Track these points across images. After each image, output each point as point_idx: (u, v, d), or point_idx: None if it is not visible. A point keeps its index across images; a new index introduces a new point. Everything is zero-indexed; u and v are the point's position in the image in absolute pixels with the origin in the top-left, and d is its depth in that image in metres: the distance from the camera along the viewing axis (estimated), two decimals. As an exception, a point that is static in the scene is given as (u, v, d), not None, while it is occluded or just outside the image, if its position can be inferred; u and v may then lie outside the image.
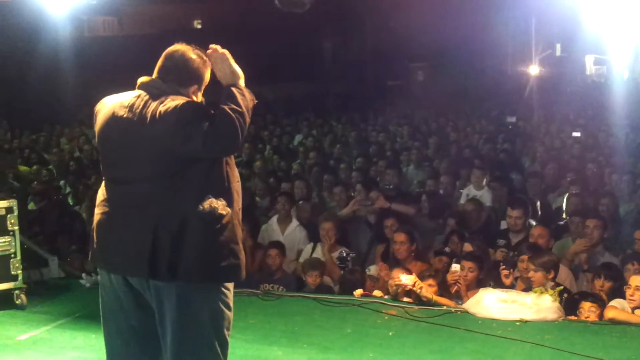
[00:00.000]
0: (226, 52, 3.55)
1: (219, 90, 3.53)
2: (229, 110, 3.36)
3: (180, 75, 3.53)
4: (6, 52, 16.69)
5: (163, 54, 3.57)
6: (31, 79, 17.96)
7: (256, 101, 3.54)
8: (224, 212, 3.41)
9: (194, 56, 3.56)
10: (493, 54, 27.89)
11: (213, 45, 3.57)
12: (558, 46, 31.75)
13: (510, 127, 16.51)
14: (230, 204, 3.45)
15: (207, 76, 3.62)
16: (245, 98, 3.47)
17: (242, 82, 3.55)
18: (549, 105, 20.23)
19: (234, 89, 3.47)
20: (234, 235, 3.47)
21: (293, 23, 26.40)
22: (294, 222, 8.17)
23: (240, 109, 3.39)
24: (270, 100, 23.81)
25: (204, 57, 3.58)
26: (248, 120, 3.42)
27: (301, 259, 7.72)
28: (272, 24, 26.12)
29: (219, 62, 3.55)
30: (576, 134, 14.32)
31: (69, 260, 7.65)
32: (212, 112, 3.38)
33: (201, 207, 3.36)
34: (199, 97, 3.61)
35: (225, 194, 3.46)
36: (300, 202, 8.59)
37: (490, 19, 23.50)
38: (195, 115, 3.34)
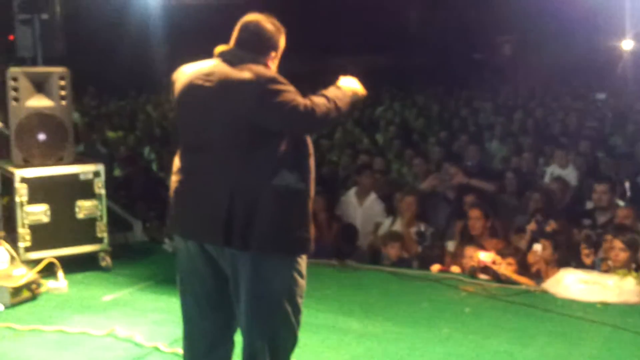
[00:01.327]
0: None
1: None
2: (316, 99, 3.46)
3: (256, 44, 3.56)
4: (97, 20, 17.02)
5: (238, 25, 3.61)
6: (120, 46, 18.34)
7: (347, 109, 3.62)
8: (297, 187, 3.44)
9: (268, 25, 3.59)
10: (583, 27, 26.98)
11: None
12: (654, 21, 30.56)
13: (599, 104, 16.04)
14: (303, 178, 3.48)
15: (283, 43, 3.66)
16: (342, 98, 3.57)
17: (351, 93, 3.65)
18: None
19: (337, 87, 3.61)
20: (305, 209, 3.50)
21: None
22: (372, 195, 8.16)
23: (330, 103, 3.49)
24: (352, 72, 23.70)
25: (278, 25, 3.63)
26: (325, 116, 3.47)
27: (380, 233, 7.72)
28: (357, -5, 26.00)
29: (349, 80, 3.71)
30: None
31: (153, 225, 7.84)
32: (294, 89, 3.42)
33: (276, 181, 3.39)
34: (275, 63, 3.65)
35: (300, 168, 3.48)
36: (378, 175, 8.58)
37: (582, -9, 22.77)
38: (279, 89, 3.37)
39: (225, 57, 3.52)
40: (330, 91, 3.60)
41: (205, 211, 3.47)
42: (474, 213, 6.99)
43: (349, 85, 3.69)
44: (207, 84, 3.46)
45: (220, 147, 3.43)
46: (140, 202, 8.46)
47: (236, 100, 3.37)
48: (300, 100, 3.41)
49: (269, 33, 3.60)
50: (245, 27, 3.59)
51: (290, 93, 3.40)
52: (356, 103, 3.69)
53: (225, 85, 3.41)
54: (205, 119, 3.46)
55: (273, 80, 3.39)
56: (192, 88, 3.51)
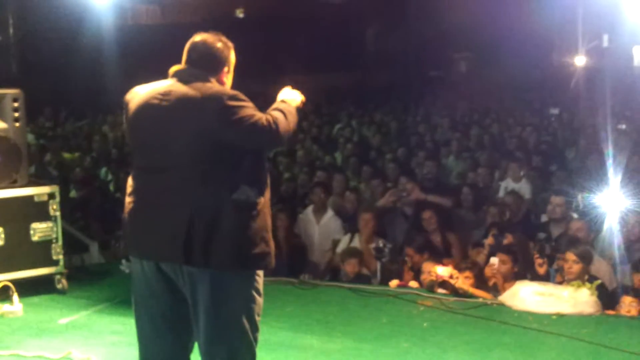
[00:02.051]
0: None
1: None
2: (274, 113, 3.53)
3: (208, 62, 3.59)
4: (51, 40, 16.89)
5: (187, 45, 3.63)
6: (75, 66, 18.19)
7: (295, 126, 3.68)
8: (256, 200, 3.46)
9: (217, 42, 3.63)
10: (538, 44, 27.46)
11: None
12: (605, 37, 31.16)
13: (552, 118, 16.31)
14: (262, 192, 3.50)
15: (233, 57, 3.70)
16: (291, 111, 3.65)
17: (295, 105, 3.73)
18: (595, 97, 19.92)
19: (284, 104, 3.66)
20: (265, 223, 3.52)
21: (336, 12, 26.40)
22: (329, 212, 8.20)
23: (286, 117, 3.56)
24: (311, 89, 23.79)
25: (225, 41, 3.66)
26: (285, 130, 3.53)
27: (338, 250, 7.74)
28: (314, 13, 26.14)
29: (292, 91, 3.81)
30: (622, 126, 14.10)
31: (111, 246, 7.77)
32: (254, 106, 3.46)
33: (236, 195, 3.40)
34: (229, 78, 3.69)
35: (257, 182, 3.51)
36: (346, 192, 8.64)
37: (536, 9, 23.18)
38: (239, 105, 3.41)
39: (181, 77, 3.54)
40: (280, 106, 3.64)
41: (164, 230, 3.45)
42: (427, 214, 7.37)
43: (291, 97, 3.76)
44: (164, 103, 3.46)
45: (179, 166, 3.43)
46: (97, 223, 8.38)
47: (195, 118, 3.38)
48: (261, 115, 3.44)
49: (219, 50, 3.62)
50: (195, 47, 3.61)
51: (250, 109, 3.43)
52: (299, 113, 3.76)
53: (183, 104, 3.42)
54: (162, 139, 3.46)
55: (232, 97, 3.42)
56: (147, 108, 3.51)
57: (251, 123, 3.39)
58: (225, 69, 3.65)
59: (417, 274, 6.82)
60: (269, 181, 3.59)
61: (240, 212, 3.42)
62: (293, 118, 3.63)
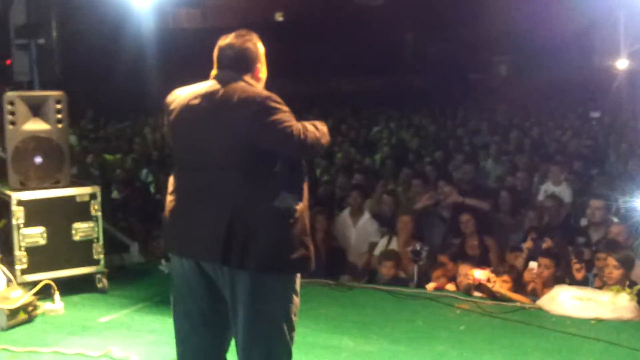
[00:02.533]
0: None
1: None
2: (307, 124, 3.56)
3: (241, 63, 3.62)
4: (93, 44, 17.13)
5: (215, 55, 3.66)
6: (117, 70, 18.42)
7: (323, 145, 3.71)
8: (297, 207, 3.49)
9: (244, 44, 3.64)
10: (579, 47, 27.15)
11: None
12: (648, 40, 30.68)
13: (594, 122, 16.12)
14: (300, 197, 3.54)
15: (262, 49, 3.71)
16: (322, 133, 3.66)
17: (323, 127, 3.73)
18: (637, 100, 19.64)
19: (319, 124, 3.68)
20: (304, 227, 3.55)
21: (375, 16, 26.37)
22: (366, 215, 8.22)
23: (318, 132, 3.60)
24: (350, 93, 23.81)
25: (249, 37, 3.67)
26: (314, 142, 3.56)
27: (376, 252, 7.76)
28: (354, 17, 26.15)
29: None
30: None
31: (151, 246, 7.86)
32: (289, 110, 3.50)
33: (277, 203, 3.44)
34: (264, 71, 3.71)
35: (298, 188, 3.54)
36: (384, 195, 8.66)
37: (577, 11, 22.90)
38: (274, 106, 3.45)
39: (220, 79, 3.58)
40: (315, 122, 3.67)
41: (204, 229, 3.49)
42: (465, 217, 7.32)
43: (323, 129, 3.75)
44: (205, 104, 3.52)
45: (220, 166, 3.48)
46: (137, 224, 8.49)
47: (234, 119, 3.42)
48: (294, 122, 3.47)
49: (247, 49, 3.64)
50: (223, 52, 3.64)
51: (285, 113, 3.46)
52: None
53: (222, 105, 3.47)
54: (203, 139, 3.51)
55: (268, 98, 3.46)
56: (189, 109, 3.56)
57: (282, 127, 3.42)
58: (258, 65, 3.68)
59: (454, 277, 6.80)
60: (307, 185, 3.62)
61: (280, 219, 3.46)
62: (324, 137, 3.65)
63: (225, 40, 3.67)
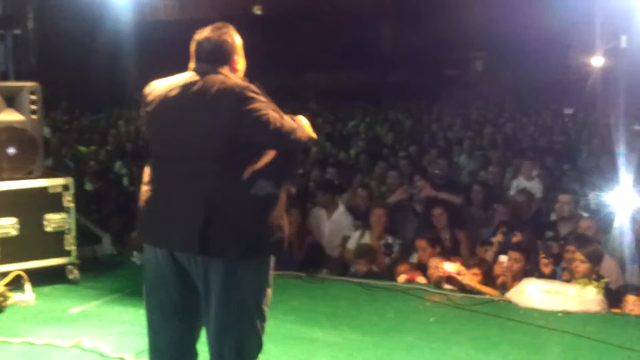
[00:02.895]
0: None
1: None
2: (285, 117, 3.57)
3: (218, 56, 3.64)
4: (69, 35, 17.05)
5: (192, 48, 3.67)
6: (93, 62, 18.34)
7: (306, 143, 3.75)
8: (274, 192, 3.53)
9: (221, 36, 3.66)
10: (555, 44, 27.34)
11: None
12: (623, 38, 30.95)
13: (567, 118, 16.29)
14: (278, 184, 3.56)
15: (238, 40, 3.73)
16: (301, 128, 3.67)
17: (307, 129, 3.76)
18: (611, 98, 19.84)
19: (299, 120, 3.70)
20: (281, 211, 3.58)
21: (352, 10, 26.41)
22: (340, 208, 8.26)
23: (292, 123, 3.60)
24: (326, 87, 23.85)
25: (225, 30, 3.69)
26: (291, 133, 3.56)
27: (349, 245, 7.80)
28: (331, 11, 26.16)
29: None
30: (637, 127, 14.05)
31: (127, 237, 7.86)
32: (267, 100, 3.51)
33: (253, 191, 3.46)
34: (242, 62, 3.73)
35: (274, 174, 3.56)
36: (359, 189, 8.71)
37: (553, 8, 23.07)
38: (252, 97, 3.46)
39: (198, 71, 3.60)
40: (295, 117, 3.69)
41: (181, 219, 3.50)
42: (437, 211, 7.45)
43: (305, 124, 3.77)
44: (183, 95, 3.52)
45: (197, 157, 3.48)
46: (110, 216, 8.48)
47: (212, 110, 3.44)
48: (270, 112, 3.48)
49: (224, 42, 3.66)
50: (200, 46, 3.65)
51: (262, 103, 3.47)
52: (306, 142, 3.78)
53: (201, 95, 3.48)
54: (181, 130, 3.51)
55: (246, 89, 3.47)
56: (167, 100, 3.57)
57: (258, 116, 3.43)
58: (235, 57, 3.70)
59: (424, 270, 6.86)
60: (287, 170, 3.67)
61: (257, 205, 3.48)
62: (302, 131, 3.66)
63: (202, 33, 3.68)
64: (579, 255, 6.16)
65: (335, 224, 8.17)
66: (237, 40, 3.72)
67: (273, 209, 3.52)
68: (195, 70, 3.62)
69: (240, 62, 3.73)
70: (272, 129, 3.46)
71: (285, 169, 3.65)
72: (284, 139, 3.54)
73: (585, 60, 27.87)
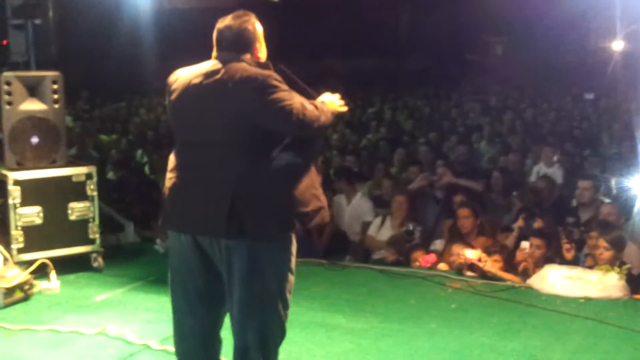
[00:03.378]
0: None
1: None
2: (307, 104, 3.57)
3: (240, 44, 3.65)
4: (89, 24, 17.09)
5: (214, 37, 3.69)
6: (112, 50, 18.40)
7: (328, 124, 3.75)
8: (297, 161, 3.55)
9: (242, 24, 3.68)
10: (575, 28, 27.09)
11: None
12: (644, 21, 30.61)
13: (588, 104, 16.18)
14: (301, 154, 3.58)
15: (260, 29, 3.75)
16: (324, 112, 3.68)
17: (332, 110, 3.79)
18: (633, 83, 19.67)
19: (321, 104, 3.71)
20: (311, 180, 3.59)
21: (369, -4, 26.30)
22: (359, 194, 8.29)
23: (314, 109, 3.60)
24: (345, 73, 23.78)
25: (246, 18, 3.71)
26: (313, 121, 3.57)
27: (371, 232, 7.83)
28: (349, -2, 26.07)
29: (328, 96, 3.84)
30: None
31: (148, 226, 7.92)
32: (289, 89, 3.53)
33: (275, 163, 3.48)
34: (263, 50, 3.75)
35: (299, 148, 3.58)
36: (384, 179, 8.73)
37: (573, -8, 22.86)
38: (274, 84, 3.48)
39: (220, 59, 3.62)
40: (317, 102, 3.71)
41: (206, 204, 3.53)
42: (463, 212, 7.11)
43: (331, 102, 3.80)
44: (207, 82, 3.54)
45: (220, 142, 3.51)
46: (132, 204, 8.54)
47: (235, 97, 3.46)
48: (293, 101, 3.50)
49: (246, 30, 3.67)
50: (222, 34, 3.68)
51: (285, 92, 3.49)
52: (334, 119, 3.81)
53: (224, 83, 3.49)
54: (205, 117, 3.54)
55: (269, 77, 3.49)
56: (191, 87, 3.59)
57: (282, 106, 3.46)
58: (257, 44, 3.72)
59: (446, 256, 6.87)
60: (313, 148, 3.68)
61: (280, 176, 3.50)
62: (325, 116, 3.67)
63: (224, 22, 3.70)
64: (602, 242, 6.14)
65: (354, 210, 8.20)
66: (258, 28, 3.74)
67: (297, 179, 3.54)
68: (217, 58, 3.65)
69: (262, 50, 3.75)
70: (295, 120, 3.48)
71: (310, 147, 3.66)
72: (307, 128, 3.56)
73: (605, 44, 27.63)
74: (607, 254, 6.12)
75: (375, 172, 9.38)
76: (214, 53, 3.70)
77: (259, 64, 3.62)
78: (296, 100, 3.52)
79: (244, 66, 3.55)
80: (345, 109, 3.91)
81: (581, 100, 16.85)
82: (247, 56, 3.64)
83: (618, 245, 6.19)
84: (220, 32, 3.70)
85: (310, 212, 3.57)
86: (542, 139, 11.08)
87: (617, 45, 26.62)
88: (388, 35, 27.18)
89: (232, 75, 3.50)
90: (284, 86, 3.52)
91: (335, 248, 7.51)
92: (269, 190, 3.48)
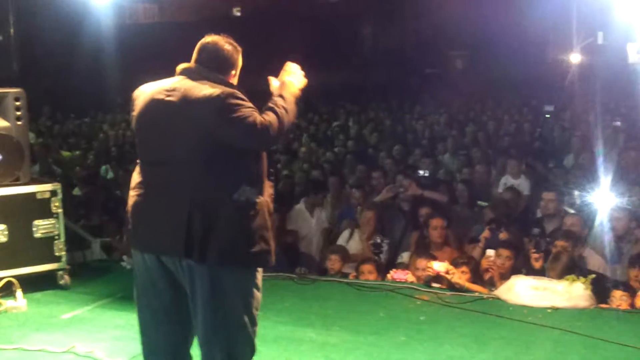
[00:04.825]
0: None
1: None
2: (269, 114, 3.56)
3: (217, 64, 3.67)
4: (50, 39, 16.96)
5: (197, 47, 3.71)
6: (74, 65, 18.25)
7: (295, 120, 3.77)
8: (256, 200, 3.53)
9: (227, 45, 3.71)
10: (533, 42, 27.51)
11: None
12: (600, 34, 31.19)
13: (548, 116, 16.42)
14: (261, 191, 3.58)
15: (240, 61, 3.78)
16: (289, 106, 3.68)
17: (296, 94, 3.78)
18: (589, 94, 20.01)
19: (281, 99, 3.69)
20: (264, 222, 3.57)
21: (331, 10, 26.45)
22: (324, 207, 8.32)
23: (280, 117, 3.58)
24: (307, 87, 23.79)
25: (235, 44, 3.75)
26: (279, 131, 3.56)
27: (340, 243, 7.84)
28: (310, 11, 26.18)
29: (294, 70, 3.86)
30: (617, 123, 14.19)
31: (114, 243, 7.85)
32: (253, 106, 3.52)
33: (236, 196, 3.48)
34: (235, 81, 3.75)
35: (259, 183, 3.58)
36: (353, 189, 8.74)
37: (530, 6, 23.23)
38: (237, 103, 3.47)
39: (189, 74, 3.62)
40: (278, 102, 3.67)
41: (165, 223, 3.53)
42: (437, 222, 7.18)
43: (293, 82, 3.82)
44: (170, 98, 3.53)
45: (181, 161, 3.50)
46: (105, 221, 8.48)
47: (198, 115, 3.45)
48: (257, 116, 3.49)
49: (228, 53, 3.71)
50: (205, 48, 3.69)
51: (248, 109, 3.48)
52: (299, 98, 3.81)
53: (187, 100, 3.49)
54: (166, 133, 3.53)
55: (232, 95, 3.48)
56: (153, 103, 3.58)
57: (246, 123, 3.44)
58: (233, 72, 3.74)
59: (412, 269, 6.90)
60: (270, 179, 3.67)
61: (240, 212, 3.49)
62: (290, 115, 3.67)
63: (211, 38, 3.72)
64: (560, 243, 6.27)
65: (319, 220, 8.23)
66: (240, 60, 3.77)
67: (255, 217, 3.53)
68: (187, 71, 3.63)
69: (235, 81, 3.75)
70: (260, 134, 3.47)
71: (265, 169, 3.65)
72: (272, 139, 3.57)
73: (563, 56, 28.09)
74: (565, 257, 6.23)
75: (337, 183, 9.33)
76: (186, 65, 3.68)
77: (228, 84, 3.62)
78: (258, 115, 3.50)
79: (210, 83, 3.54)
80: (305, 80, 3.91)
81: (541, 113, 17.07)
82: (220, 77, 3.64)
83: (573, 239, 6.30)
84: (204, 45, 3.70)
85: (255, 254, 3.55)
86: (504, 150, 11.20)
87: (575, 58, 27.11)
88: (350, 49, 27.33)
89: (197, 91, 3.49)
90: (247, 102, 3.51)
91: (288, 258, 7.47)
92: (225, 220, 3.47)
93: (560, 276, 6.15)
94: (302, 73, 3.91)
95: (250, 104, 3.52)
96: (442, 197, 8.26)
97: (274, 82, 3.85)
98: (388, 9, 26.89)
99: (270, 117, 3.55)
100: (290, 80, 3.85)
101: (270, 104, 3.65)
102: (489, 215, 7.74)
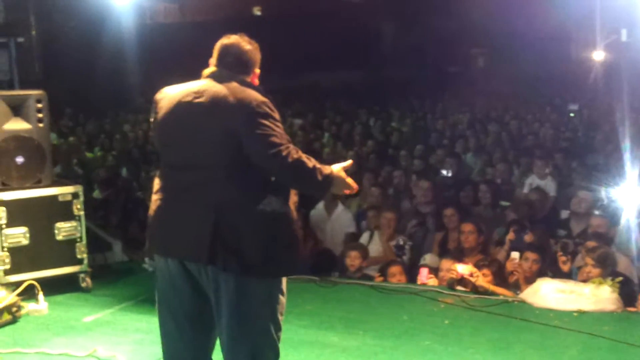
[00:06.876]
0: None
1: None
2: (302, 155, 3.45)
3: (240, 66, 3.64)
4: (72, 41, 17.05)
5: (217, 48, 3.67)
6: (96, 66, 18.33)
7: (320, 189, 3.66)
8: (282, 211, 3.48)
9: (247, 45, 3.68)
10: (556, 39, 27.33)
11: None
12: (624, 32, 30.93)
13: (572, 114, 16.25)
14: (287, 201, 3.52)
15: (259, 57, 3.75)
16: (315, 173, 3.50)
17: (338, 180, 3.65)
18: (613, 92, 19.81)
19: (326, 168, 3.56)
20: (291, 233, 3.53)
21: (353, 9, 26.40)
22: (340, 206, 8.28)
23: (312, 169, 3.47)
24: (329, 87, 23.80)
25: (253, 43, 3.72)
26: (295, 168, 3.43)
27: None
28: (331, 11, 26.16)
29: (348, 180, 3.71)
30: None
31: (136, 245, 7.83)
32: (280, 125, 3.45)
33: (262, 207, 3.42)
34: (256, 81, 3.72)
35: (284, 191, 3.52)
36: (372, 188, 8.66)
37: (553, 3, 23.05)
38: (267, 112, 3.42)
39: (215, 78, 3.57)
40: (317, 163, 3.54)
41: (189, 229, 3.48)
42: (468, 227, 7.09)
43: (343, 177, 3.67)
44: (197, 100, 3.48)
45: (206, 166, 3.46)
46: (126, 223, 8.47)
47: (225, 118, 3.40)
48: (282, 140, 3.40)
49: (250, 53, 3.68)
50: (226, 50, 3.65)
51: (276, 127, 3.41)
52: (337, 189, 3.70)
53: (215, 103, 3.44)
54: (192, 136, 3.48)
55: (263, 103, 3.43)
56: (180, 105, 3.53)
57: (268, 135, 3.37)
58: (256, 70, 3.72)
59: (436, 272, 6.83)
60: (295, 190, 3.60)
61: (266, 223, 3.44)
62: (324, 178, 3.52)
63: (230, 39, 3.68)
64: (589, 260, 6.12)
65: (335, 222, 8.19)
66: (259, 56, 3.74)
67: (282, 229, 3.48)
68: (214, 75, 3.59)
69: (256, 79, 3.72)
70: (276, 156, 3.37)
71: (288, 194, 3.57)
72: (285, 171, 3.43)
73: (586, 54, 27.87)
74: (595, 272, 6.09)
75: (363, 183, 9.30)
76: (212, 68, 3.64)
77: (255, 87, 3.57)
78: (285, 140, 3.41)
79: (239, 87, 3.49)
80: (354, 188, 3.76)
81: (565, 111, 16.91)
82: (245, 78, 3.60)
83: (605, 262, 6.16)
84: (225, 47, 3.66)
85: (282, 265, 3.52)
86: (527, 150, 11.08)
87: (598, 56, 26.88)
88: (371, 48, 27.28)
89: (226, 95, 3.44)
90: (276, 115, 3.45)
91: (323, 265, 7.43)
92: (251, 230, 3.42)
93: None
94: (354, 187, 3.76)
95: (279, 122, 3.46)
96: (464, 199, 8.13)
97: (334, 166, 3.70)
98: (408, 7, 26.79)
99: (302, 157, 3.45)
100: (343, 176, 3.70)
101: (315, 160, 3.54)
102: (511, 216, 7.65)
